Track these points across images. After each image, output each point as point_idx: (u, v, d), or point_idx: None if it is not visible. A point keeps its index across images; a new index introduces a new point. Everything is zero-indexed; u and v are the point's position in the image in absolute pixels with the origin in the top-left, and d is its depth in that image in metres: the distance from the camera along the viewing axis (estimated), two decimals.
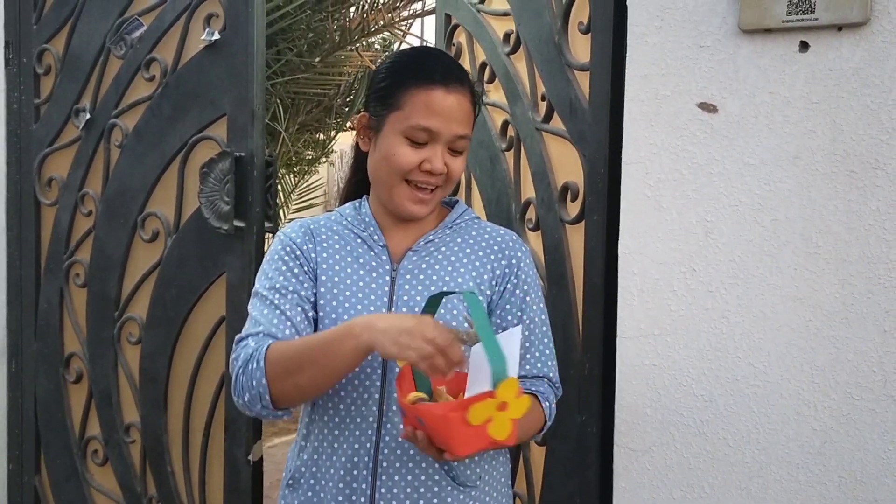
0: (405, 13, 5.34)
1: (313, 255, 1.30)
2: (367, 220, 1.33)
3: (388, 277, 1.28)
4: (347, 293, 1.27)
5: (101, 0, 2.26)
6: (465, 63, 1.92)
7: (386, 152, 1.26)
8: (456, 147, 1.26)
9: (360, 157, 1.38)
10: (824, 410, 1.37)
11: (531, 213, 1.77)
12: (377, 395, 1.25)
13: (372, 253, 1.30)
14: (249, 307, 1.28)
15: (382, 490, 1.23)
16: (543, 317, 1.34)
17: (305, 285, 1.27)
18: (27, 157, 2.42)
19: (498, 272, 1.31)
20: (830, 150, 1.35)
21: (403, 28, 5.51)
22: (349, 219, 1.34)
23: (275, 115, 4.68)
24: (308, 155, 5.61)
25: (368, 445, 1.24)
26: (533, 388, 1.29)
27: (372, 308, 1.26)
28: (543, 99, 1.73)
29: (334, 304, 1.26)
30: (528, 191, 1.77)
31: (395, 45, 6.32)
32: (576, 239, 1.66)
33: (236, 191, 2.03)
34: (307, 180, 5.89)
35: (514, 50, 1.80)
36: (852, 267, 1.34)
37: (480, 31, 1.89)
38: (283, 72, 4.71)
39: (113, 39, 2.24)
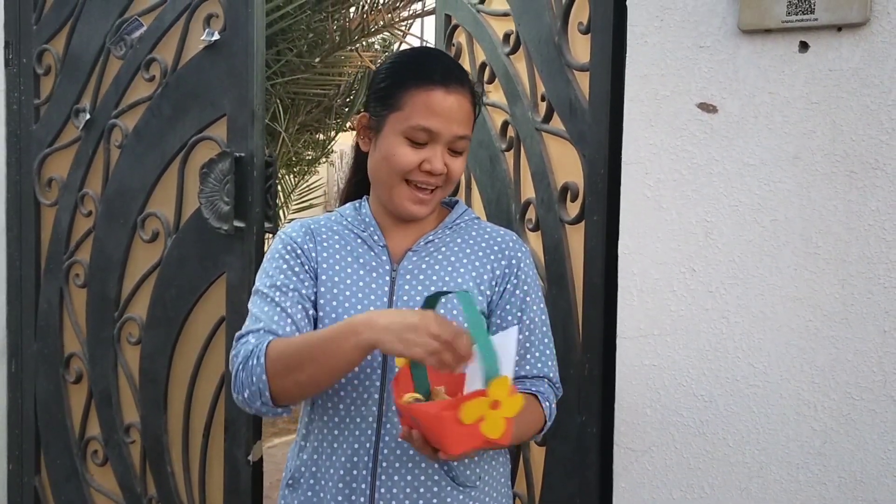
0: (405, 13, 5.34)
1: (314, 254, 1.30)
2: (367, 220, 1.33)
3: (388, 277, 1.28)
4: (347, 293, 1.27)
5: (101, 0, 2.26)
6: (465, 63, 1.92)
7: (386, 152, 1.26)
8: (456, 147, 1.26)
9: (360, 158, 1.38)
10: (824, 410, 1.38)
11: (531, 214, 1.77)
12: (377, 395, 1.25)
13: (372, 253, 1.31)
14: (250, 305, 1.28)
15: (382, 490, 1.23)
16: (543, 317, 1.34)
17: (306, 284, 1.27)
18: (27, 157, 2.42)
19: (498, 272, 1.31)
20: (830, 151, 1.35)
21: (403, 28, 5.52)
22: (349, 219, 1.34)
23: (275, 115, 4.68)
24: (308, 155, 5.61)
25: (368, 445, 1.24)
26: (533, 389, 1.29)
27: (372, 308, 1.26)
28: (543, 99, 1.73)
29: (334, 303, 1.26)
30: (528, 191, 1.78)
31: (395, 46, 6.32)
32: (576, 239, 1.66)
33: (236, 191, 2.03)
34: (307, 180, 5.89)
35: (514, 50, 1.80)
36: (852, 267, 1.34)
37: (480, 31, 1.89)
38: (282, 72, 4.71)
39: (113, 40, 2.24)
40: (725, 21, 1.41)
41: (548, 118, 1.72)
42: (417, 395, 1.14)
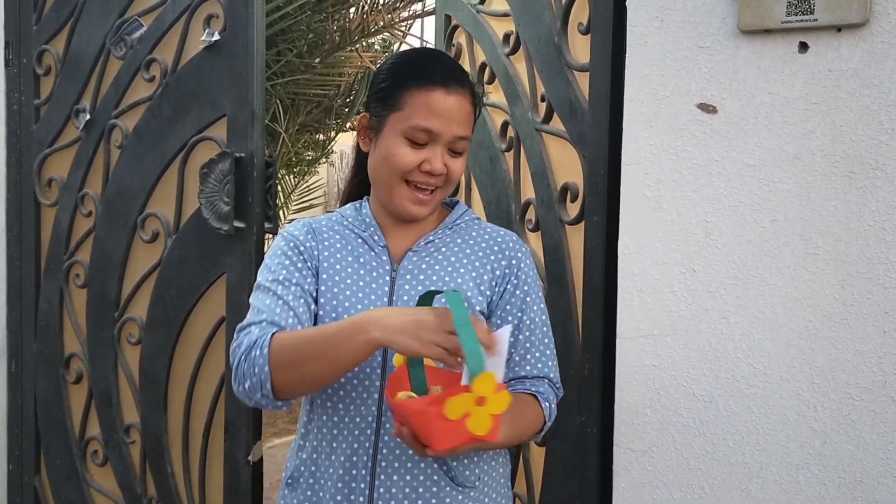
0: (405, 14, 5.34)
1: (315, 252, 1.30)
2: (367, 220, 1.33)
3: (388, 277, 1.29)
4: (347, 292, 1.27)
5: (101, 0, 2.26)
6: (465, 64, 1.92)
7: (386, 153, 1.26)
8: (456, 148, 1.27)
9: (360, 158, 1.39)
10: (824, 411, 1.38)
11: (531, 214, 1.77)
12: (376, 395, 1.25)
13: (372, 253, 1.31)
14: (251, 299, 1.28)
15: (381, 489, 1.23)
16: (544, 317, 1.35)
17: (308, 280, 1.27)
18: (27, 157, 2.42)
19: (498, 273, 1.31)
20: (830, 151, 1.35)
21: (403, 29, 5.52)
22: (350, 219, 1.35)
23: (275, 115, 4.68)
24: (308, 155, 5.61)
25: (367, 445, 1.24)
26: (533, 389, 1.29)
27: (371, 308, 1.26)
28: (543, 100, 1.73)
29: (334, 303, 1.26)
30: (528, 191, 1.78)
31: (395, 46, 6.32)
32: (576, 239, 1.66)
33: (236, 191, 2.03)
34: (307, 181, 5.89)
35: (514, 51, 1.80)
36: (852, 268, 1.35)
37: (480, 31, 1.89)
38: (283, 72, 4.71)
39: (113, 40, 2.24)
40: (725, 21, 1.41)
41: (548, 118, 1.72)
42: (411, 393, 1.14)
